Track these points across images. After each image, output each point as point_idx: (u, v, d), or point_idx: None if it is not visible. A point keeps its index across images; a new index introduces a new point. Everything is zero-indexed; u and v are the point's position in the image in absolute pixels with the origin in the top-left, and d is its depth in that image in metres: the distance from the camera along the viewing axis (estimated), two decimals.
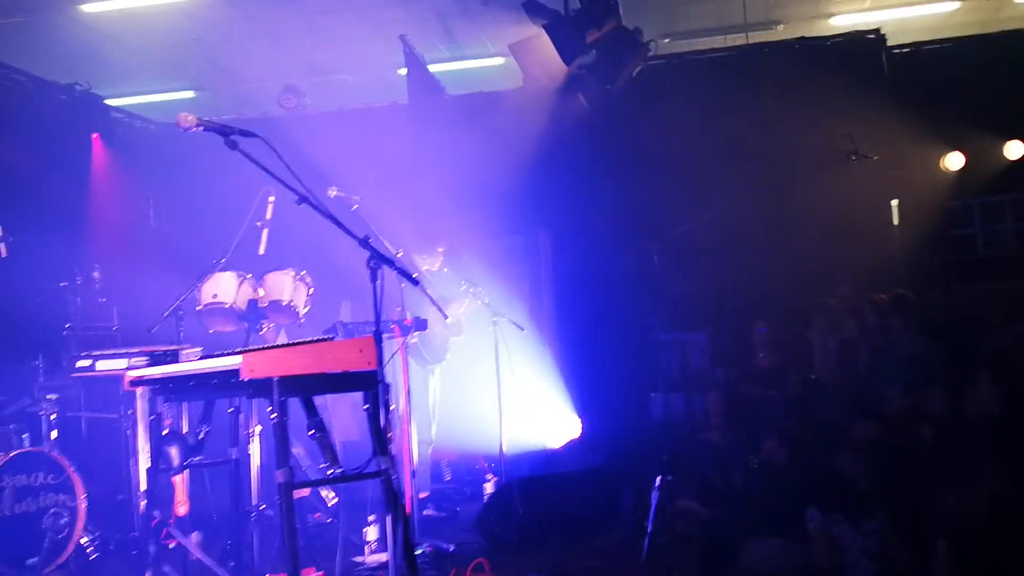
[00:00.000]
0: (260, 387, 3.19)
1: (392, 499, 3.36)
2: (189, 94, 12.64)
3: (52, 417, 5.96)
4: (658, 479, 5.00)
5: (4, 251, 6.23)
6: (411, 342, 6.49)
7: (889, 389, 6.23)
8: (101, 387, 6.64)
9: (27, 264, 6.73)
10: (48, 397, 5.99)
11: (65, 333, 6.61)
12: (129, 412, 6.16)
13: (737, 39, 10.88)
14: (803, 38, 9.49)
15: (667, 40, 11.41)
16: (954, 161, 8.88)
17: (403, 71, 9.87)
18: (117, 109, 10.10)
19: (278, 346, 3.31)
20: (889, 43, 9.02)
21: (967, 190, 8.90)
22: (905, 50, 9.15)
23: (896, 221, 8.69)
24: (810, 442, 5.57)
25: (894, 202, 8.71)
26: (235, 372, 3.14)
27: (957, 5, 11.22)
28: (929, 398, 5.81)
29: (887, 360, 6.53)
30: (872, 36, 8.96)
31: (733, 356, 7.93)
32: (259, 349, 3.25)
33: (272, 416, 3.16)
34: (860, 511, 4.50)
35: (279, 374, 3.17)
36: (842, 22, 11.21)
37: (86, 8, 9.73)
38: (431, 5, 10.30)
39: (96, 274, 6.87)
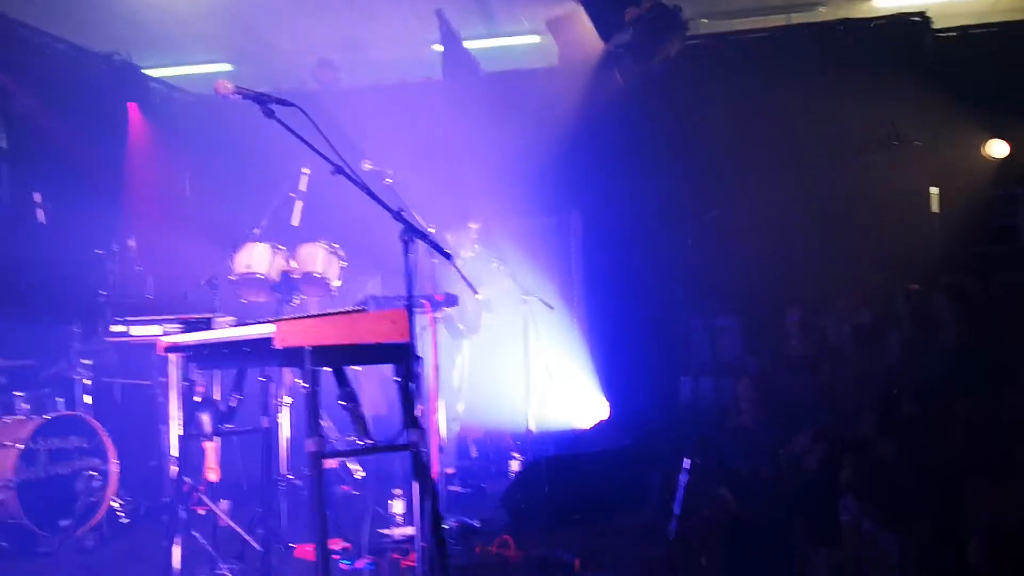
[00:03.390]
0: (292, 356, 3.19)
1: (421, 472, 3.36)
2: (226, 66, 12.65)
3: (87, 382, 6.06)
4: (687, 462, 4.96)
5: (43, 217, 6.31)
6: (447, 312, 6.49)
7: (925, 379, 6.13)
8: (135, 353, 6.72)
9: (65, 231, 6.83)
10: (83, 362, 6.08)
11: (101, 300, 6.69)
12: (162, 379, 6.24)
13: (778, 20, 10.70)
14: (846, 19, 9.30)
15: (706, 20, 11.24)
16: (998, 149, 8.68)
17: (438, 47, 9.82)
18: (155, 79, 10.15)
19: (311, 316, 3.31)
20: (934, 26, 8.82)
21: (1011, 179, 8.70)
22: (951, 34, 8.94)
23: (936, 209, 8.53)
24: (842, 436, 5.48)
25: (934, 189, 8.54)
26: (268, 340, 3.14)
27: None
28: (966, 389, 5.71)
29: (923, 349, 6.42)
30: (917, 19, 8.77)
31: (765, 342, 7.84)
32: (293, 318, 3.25)
33: (304, 386, 3.16)
34: (894, 504, 4.44)
35: (312, 343, 3.16)
36: (885, 4, 10.96)
37: None
38: None
39: (132, 242, 6.96)
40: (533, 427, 6.77)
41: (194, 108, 10.17)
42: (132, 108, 9.15)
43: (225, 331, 3.61)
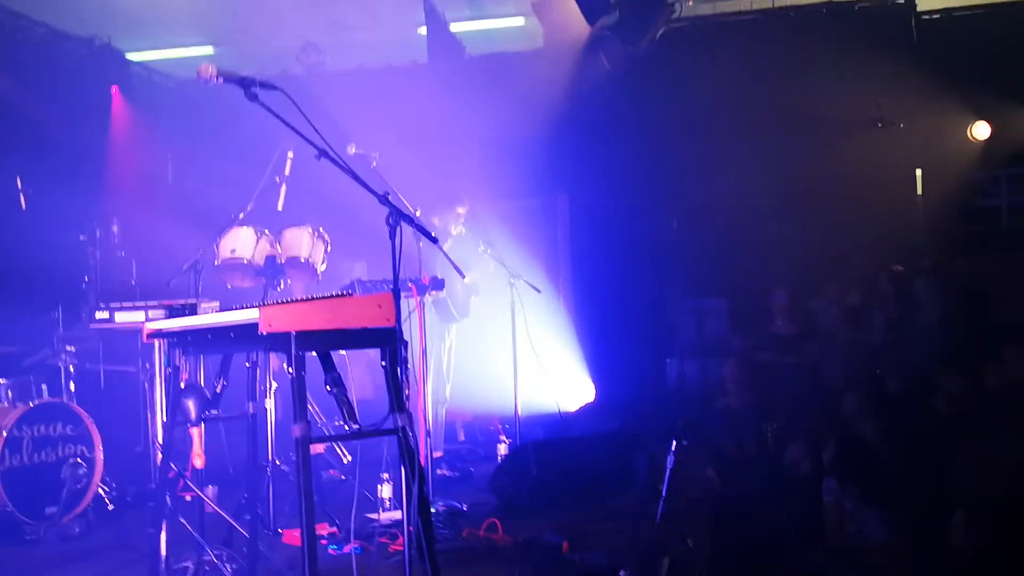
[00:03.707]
0: (278, 341, 3.17)
1: (408, 456, 3.35)
2: (208, 50, 12.53)
3: (71, 368, 6.01)
4: (673, 443, 4.98)
5: (23, 203, 6.25)
6: (440, 296, 6.50)
7: (908, 358, 6.18)
8: (120, 340, 6.68)
9: (46, 216, 6.76)
10: (67, 349, 6.04)
11: (84, 286, 6.64)
12: (147, 365, 6.21)
13: (763, 2, 10.68)
14: (830, 2, 9.30)
15: (692, 2, 11.20)
16: (981, 131, 8.73)
17: (423, 30, 9.76)
18: (137, 63, 10.05)
19: (297, 301, 3.29)
20: (918, 9, 8.83)
21: (994, 161, 8.76)
22: (935, 16, 8.96)
23: (920, 190, 8.58)
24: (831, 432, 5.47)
25: (919, 171, 8.58)
26: (253, 326, 3.12)
27: None
28: (949, 368, 5.76)
29: (907, 329, 6.47)
30: (901, 1, 8.77)
31: (751, 323, 7.88)
32: (278, 303, 3.24)
33: (289, 371, 3.15)
34: (877, 481, 4.48)
35: (297, 328, 3.15)
36: None
37: None
38: None
39: (115, 227, 6.90)
40: (520, 410, 6.79)
41: (176, 92, 10.09)
42: (114, 92, 9.06)
43: (210, 317, 3.59)
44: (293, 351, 3.14)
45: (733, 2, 10.99)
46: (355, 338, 3.39)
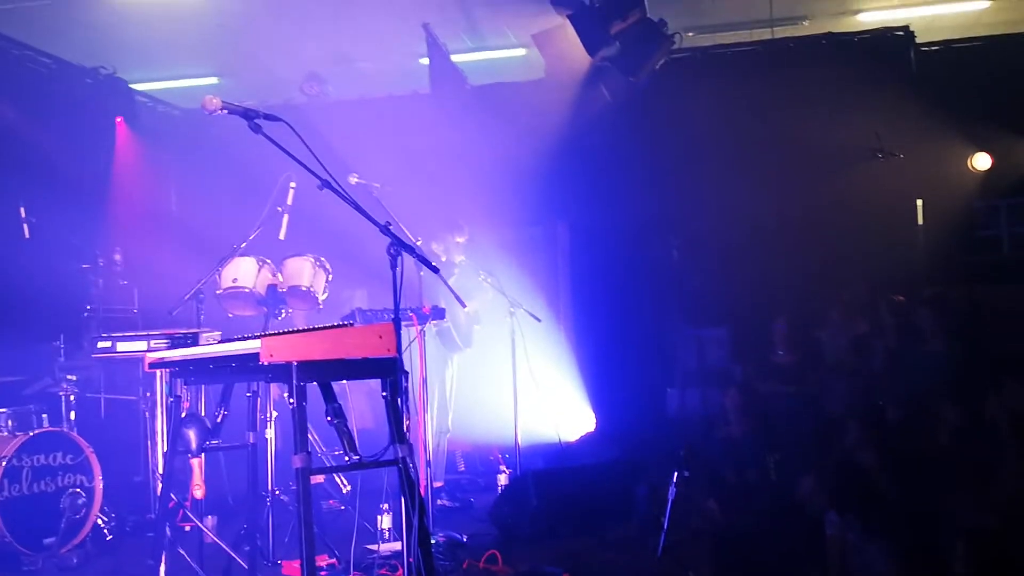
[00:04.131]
0: (279, 371, 3.18)
1: (409, 487, 3.35)
2: (213, 80, 12.66)
3: (71, 398, 6.01)
4: (675, 474, 4.96)
5: (27, 232, 6.28)
6: (443, 325, 6.51)
7: (909, 388, 6.17)
8: (121, 369, 6.69)
9: (49, 246, 6.79)
10: (68, 378, 6.04)
11: (86, 315, 6.66)
12: (148, 394, 6.21)
13: (763, 34, 10.78)
14: (830, 33, 9.38)
15: (692, 33, 11.31)
16: (982, 161, 8.76)
17: (425, 60, 9.85)
18: (141, 93, 10.14)
19: (297, 331, 3.30)
20: (917, 41, 8.90)
21: (994, 191, 8.78)
22: (934, 48, 9.02)
23: (921, 220, 8.59)
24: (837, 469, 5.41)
25: (919, 201, 8.61)
26: (254, 356, 3.14)
27: (987, 4, 11.06)
28: (949, 398, 5.74)
29: (908, 359, 6.46)
30: (900, 33, 8.84)
31: (752, 353, 7.87)
32: (278, 333, 3.25)
33: (290, 401, 3.16)
34: (877, 512, 4.46)
35: (298, 359, 3.16)
36: (869, 18, 11.08)
37: None
38: None
39: (118, 256, 6.94)
40: (521, 440, 6.77)
41: (181, 122, 10.16)
42: (119, 122, 9.13)
43: (211, 347, 3.60)
44: (294, 381, 3.15)
45: (733, 34, 11.11)
46: (356, 368, 3.40)
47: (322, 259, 6.17)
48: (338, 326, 3.35)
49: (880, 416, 5.92)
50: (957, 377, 5.99)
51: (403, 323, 4.12)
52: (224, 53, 11.70)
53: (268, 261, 5.93)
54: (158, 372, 5.30)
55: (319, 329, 3.29)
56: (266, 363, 3.12)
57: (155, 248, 8.10)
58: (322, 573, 4.86)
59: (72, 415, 5.97)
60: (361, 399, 7.49)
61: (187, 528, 4.80)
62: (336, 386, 3.38)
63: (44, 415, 5.81)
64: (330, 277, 6.17)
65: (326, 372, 3.29)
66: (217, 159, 9.05)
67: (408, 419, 3.52)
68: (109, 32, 10.56)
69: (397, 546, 4.96)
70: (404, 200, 6.07)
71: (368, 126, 8.89)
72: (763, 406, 6.64)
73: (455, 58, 10.02)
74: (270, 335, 3.22)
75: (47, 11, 9.94)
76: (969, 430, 5.17)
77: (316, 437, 6.68)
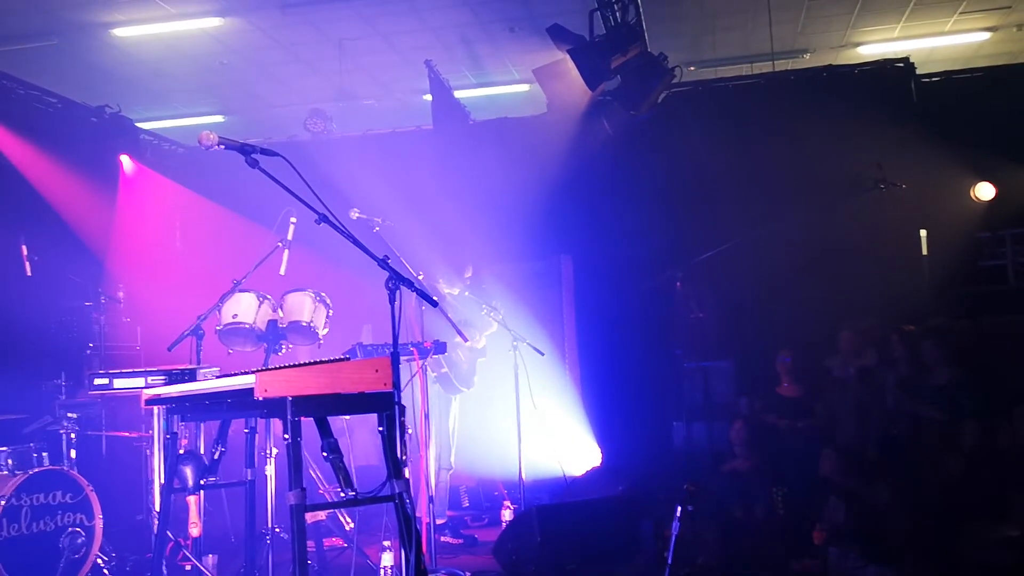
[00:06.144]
0: (274, 407, 3.16)
1: (405, 524, 3.30)
2: (218, 118, 12.79)
3: (72, 436, 5.97)
4: (678, 509, 4.90)
5: (29, 270, 6.29)
6: (441, 372, 6.49)
7: (919, 421, 6.10)
8: (123, 406, 6.66)
9: (52, 283, 6.80)
10: (69, 415, 6.01)
11: (88, 352, 6.64)
12: (148, 432, 6.16)
13: (763, 67, 10.84)
14: (830, 66, 9.43)
15: (692, 67, 11.39)
16: (985, 191, 8.74)
17: (428, 97, 9.92)
18: (146, 131, 10.23)
19: (292, 366, 3.28)
20: (918, 72, 8.92)
21: (998, 221, 8.75)
22: (934, 79, 9.05)
23: (925, 251, 8.55)
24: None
25: (923, 232, 8.57)
26: (250, 391, 3.12)
27: (987, 36, 11.13)
28: (960, 431, 5.68)
29: (918, 389, 6.39)
30: (901, 65, 8.87)
31: (758, 385, 7.80)
32: (274, 369, 3.22)
33: (285, 437, 3.13)
34: (885, 544, 4.39)
35: (293, 394, 3.14)
36: (870, 51, 11.14)
37: (118, 32, 9.89)
38: (457, 31, 10.37)
39: (121, 294, 6.93)
40: (525, 475, 6.69)
41: (185, 159, 10.23)
42: (122, 161, 9.19)
43: (207, 383, 3.58)
44: (288, 416, 3.12)
45: (733, 67, 11.18)
46: (352, 403, 3.37)
47: (322, 294, 6.16)
48: (334, 360, 3.32)
49: (890, 446, 5.86)
50: (967, 407, 5.93)
51: (403, 357, 4.09)
52: (228, 91, 11.85)
53: (268, 296, 5.92)
54: (155, 409, 5.27)
55: (314, 364, 3.27)
56: (261, 398, 3.09)
57: (160, 285, 8.10)
58: None
59: (72, 453, 5.93)
60: (365, 435, 7.44)
61: (187, 568, 4.74)
62: (339, 422, 3.36)
63: (44, 453, 5.77)
64: (331, 312, 6.15)
65: (322, 407, 3.27)
66: (221, 196, 9.10)
67: (406, 454, 3.48)
68: (115, 71, 10.72)
69: None
70: (408, 235, 6.07)
71: (372, 162, 8.93)
72: (769, 439, 6.57)
73: (458, 94, 10.09)
74: (265, 370, 3.19)
75: (54, 51, 10.09)
76: (981, 461, 5.10)
77: (319, 474, 6.63)
